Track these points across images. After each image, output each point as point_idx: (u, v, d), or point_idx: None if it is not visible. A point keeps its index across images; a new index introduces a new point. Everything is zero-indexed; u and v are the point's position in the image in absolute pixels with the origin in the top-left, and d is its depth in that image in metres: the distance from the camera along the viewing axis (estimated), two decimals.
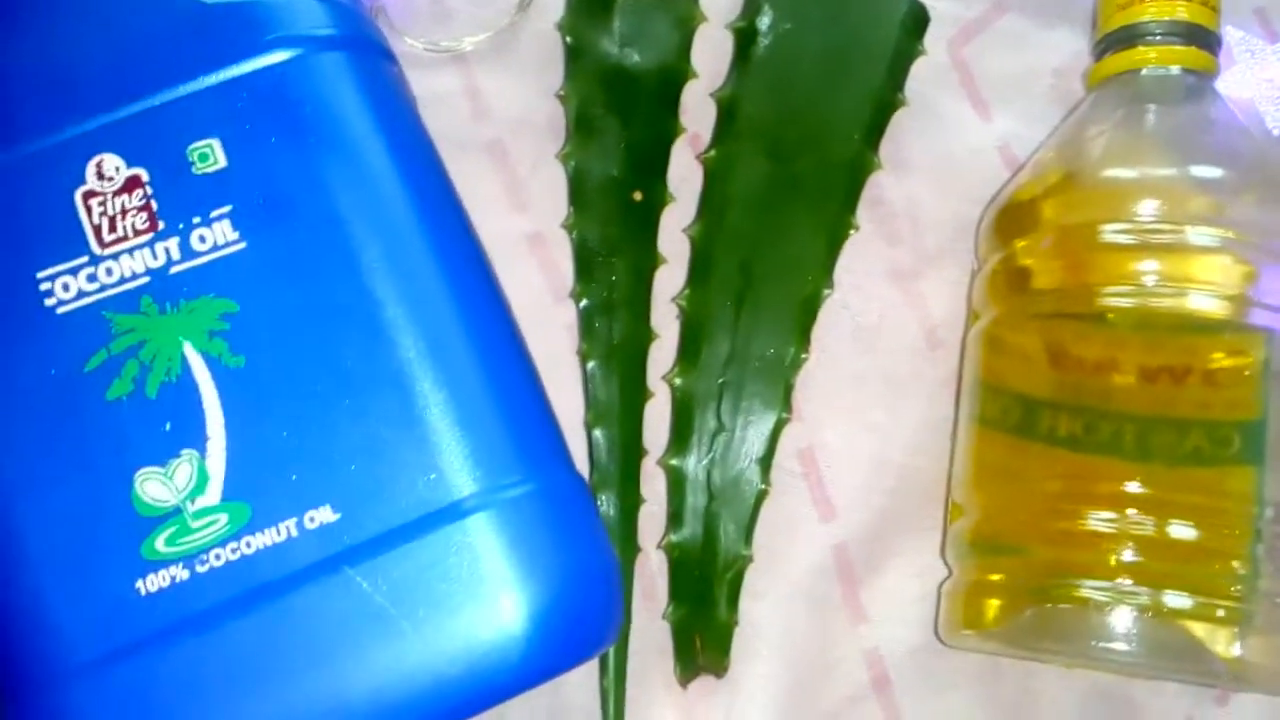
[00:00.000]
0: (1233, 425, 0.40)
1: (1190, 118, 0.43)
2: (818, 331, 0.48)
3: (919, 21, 0.50)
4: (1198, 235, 0.41)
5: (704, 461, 0.47)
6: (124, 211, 0.37)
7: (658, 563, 0.47)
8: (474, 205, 0.43)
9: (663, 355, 0.48)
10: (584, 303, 0.48)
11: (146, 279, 0.36)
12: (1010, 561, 0.42)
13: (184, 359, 0.36)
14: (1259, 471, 0.40)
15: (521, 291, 0.46)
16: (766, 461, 0.46)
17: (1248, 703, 0.46)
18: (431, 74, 0.50)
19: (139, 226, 0.37)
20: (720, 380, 0.47)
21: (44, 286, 0.36)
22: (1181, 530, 0.39)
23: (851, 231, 0.48)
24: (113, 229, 0.37)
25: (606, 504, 0.46)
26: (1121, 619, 0.39)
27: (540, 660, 0.36)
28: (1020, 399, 0.43)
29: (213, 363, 0.36)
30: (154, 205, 0.37)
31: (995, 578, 0.42)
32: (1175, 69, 0.44)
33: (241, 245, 0.37)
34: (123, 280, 0.36)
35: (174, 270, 0.36)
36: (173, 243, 0.37)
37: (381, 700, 0.34)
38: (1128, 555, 0.39)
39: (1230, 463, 0.40)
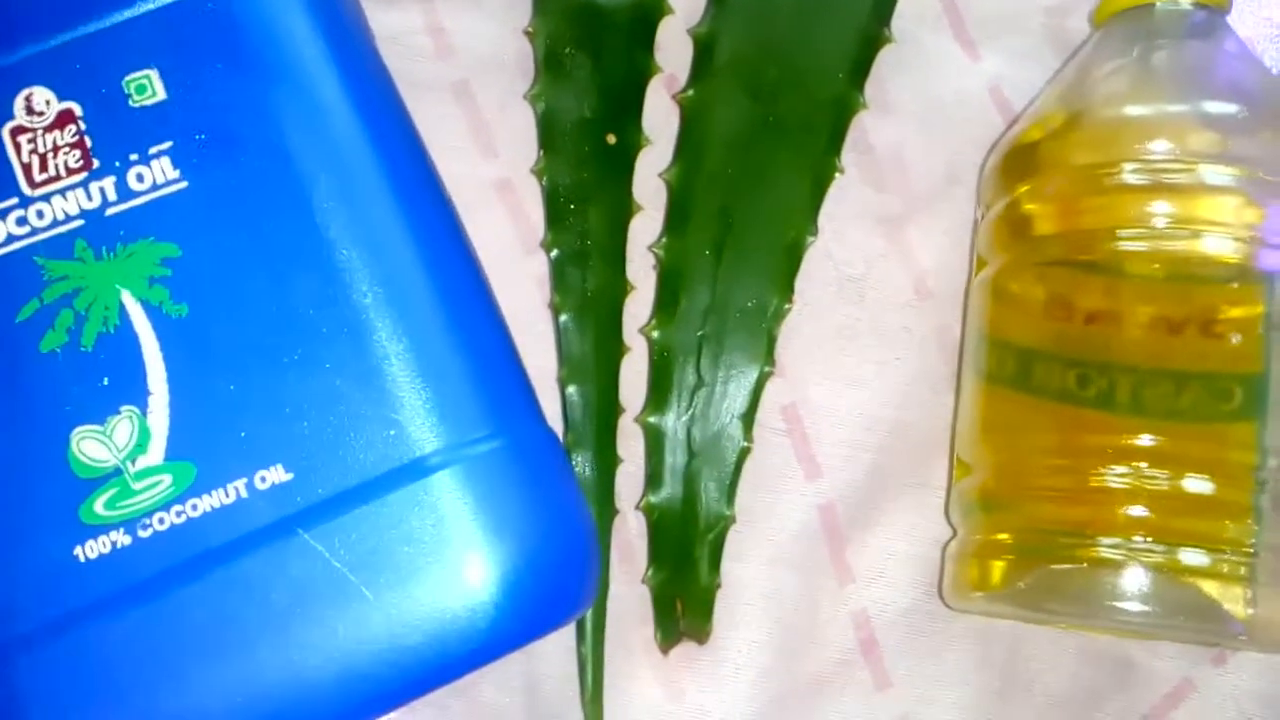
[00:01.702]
0: (1234, 378, 0.39)
1: (1202, 53, 0.42)
2: (801, 281, 0.46)
3: None
4: (1211, 174, 0.39)
5: (683, 418, 0.45)
6: (55, 149, 0.34)
7: (636, 525, 0.45)
8: (438, 150, 0.41)
9: (639, 308, 0.47)
10: (555, 252, 0.46)
11: (81, 222, 0.34)
12: (1018, 520, 0.41)
13: (122, 308, 0.34)
14: (1260, 424, 0.39)
15: (490, 241, 0.44)
16: (749, 418, 0.45)
17: (1245, 662, 0.45)
18: (392, 10, 0.48)
19: (72, 165, 0.34)
20: (699, 333, 0.45)
21: None
22: (1196, 484, 0.38)
23: (836, 174, 0.46)
24: (44, 168, 0.34)
25: (582, 464, 0.44)
26: (1136, 578, 0.38)
27: (510, 627, 0.34)
28: (1026, 352, 0.42)
29: (153, 311, 0.34)
30: (88, 142, 0.35)
31: (1002, 537, 0.41)
32: (1187, 3, 0.42)
33: (183, 184, 0.34)
34: (55, 223, 0.34)
35: (110, 212, 0.34)
36: (108, 182, 0.34)
37: (341, 672, 0.33)
38: (1140, 511, 0.38)
39: (1232, 417, 0.39)
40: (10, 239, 0.34)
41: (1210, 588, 0.38)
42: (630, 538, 0.45)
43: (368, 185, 0.35)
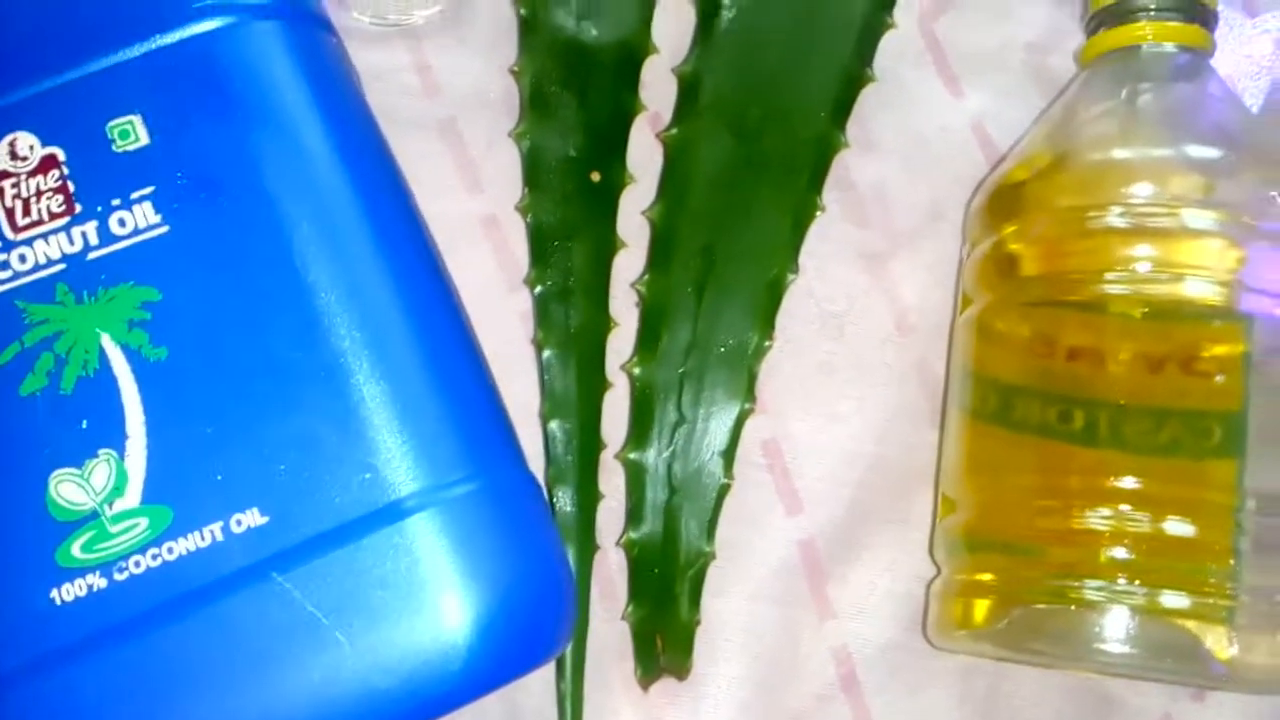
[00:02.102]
0: (1214, 416, 0.39)
1: (1186, 96, 0.42)
2: (782, 318, 0.46)
3: None
4: (1193, 218, 0.39)
5: (664, 455, 0.45)
6: (39, 193, 0.35)
7: (616, 561, 0.45)
8: (425, 187, 0.42)
9: (621, 344, 0.47)
10: (539, 289, 0.46)
11: (63, 266, 0.34)
12: (1001, 559, 0.41)
13: (102, 351, 0.34)
14: (1239, 463, 0.39)
15: (475, 277, 0.44)
16: (729, 454, 0.45)
17: (1225, 699, 0.45)
18: (379, 49, 0.48)
19: (55, 209, 0.35)
20: (681, 370, 0.45)
21: None
22: (1177, 526, 0.38)
23: (818, 213, 0.46)
24: (26, 212, 0.35)
25: (563, 500, 0.44)
26: (1119, 619, 0.38)
27: (485, 669, 0.34)
28: (1010, 389, 0.42)
29: (132, 355, 0.34)
30: (71, 187, 0.35)
31: (985, 577, 0.41)
32: (1171, 46, 0.42)
33: (164, 229, 0.35)
34: (37, 267, 0.34)
35: (92, 256, 0.34)
36: (90, 227, 0.34)
37: (317, 715, 0.33)
38: (1123, 553, 0.38)
39: (1212, 455, 0.39)
40: None
41: (1192, 630, 0.38)
42: (610, 573, 0.45)
43: (348, 229, 0.35)
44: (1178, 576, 0.38)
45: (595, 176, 0.47)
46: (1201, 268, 0.39)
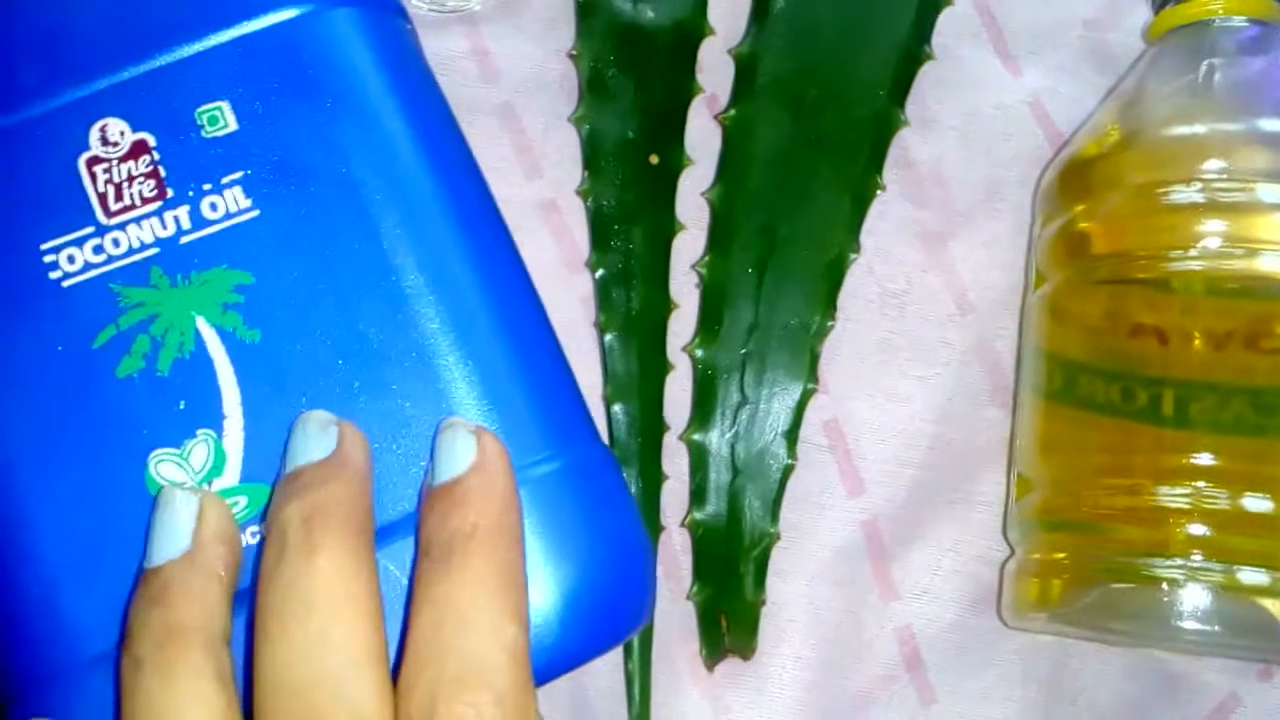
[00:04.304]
0: None
1: (1259, 70, 0.42)
2: (843, 298, 0.46)
3: None
4: (1268, 193, 0.39)
5: (727, 436, 0.45)
6: (130, 178, 0.35)
7: (681, 541, 0.46)
8: (485, 172, 0.41)
9: (682, 326, 0.47)
10: (600, 272, 0.46)
11: (156, 250, 0.34)
12: (1078, 539, 0.41)
13: (197, 334, 0.34)
14: None
15: (535, 261, 0.44)
16: (792, 435, 0.45)
17: None
18: (437, 35, 0.48)
19: (147, 194, 0.35)
20: (743, 351, 0.46)
21: (48, 259, 0.34)
22: (1256, 503, 0.38)
23: (878, 192, 0.47)
24: (119, 197, 0.35)
25: (628, 481, 0.45)
26: (1197, 597, 0.38)
27: (574, 645, 0.34)
28: (1084, 369, 0.42)
29: (227, 337, 0.34)
30: (162, 171, 0.35)
31: (1061, 556, 0.41)
32: (1242, 19, 0.42)
33: (255, 213, 0.35)
34: (131, 251, 0.34)
35: (184, 240, 0.34)
36: (182, 211, 0.35)
37: None
38: (1200, 530, 0.38)
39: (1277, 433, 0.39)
40: (87, 266, 0.34)
41: (1271, 606, 0.38)
42: (675, 554, 0.45)
43: (431, 214, 0.35)
44: (1255, 553, 0.38)
45: (654, 159, 0.47)
46: (1276, 243, 0.39)
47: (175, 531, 0.31)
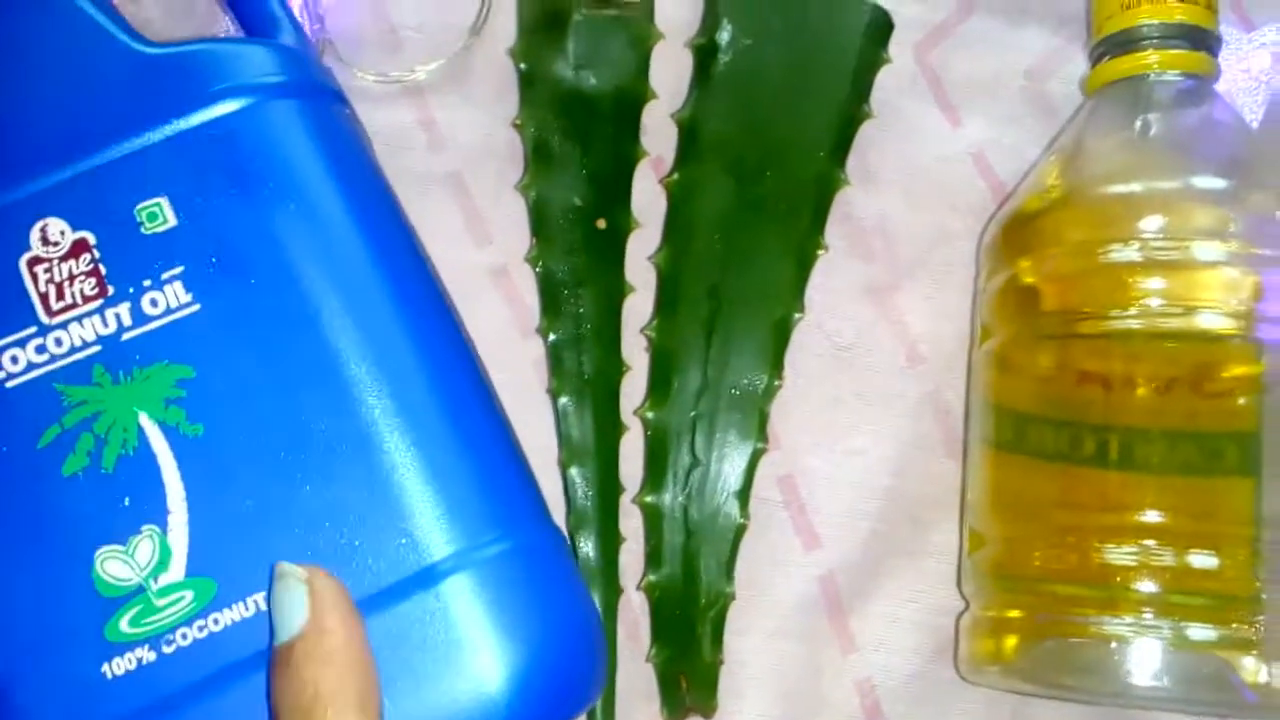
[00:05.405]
0: (1227, 436, 0.40)
1: (1193, 124, 0.43)
2: (792, 355, 0.47)
3: (883, 28, 0.49)
4: (1204, 250, 0.40)
5: (680, 498, 0.46)
6: (71, 277, 0.35)
7: (640, 603, 0.46)
8: (435, 240, 0.42)
9: (634, 387, 0.47)
10: (552, 337, 0.47)
11: (98, 347, 0.35)
12: (1029, 595, 0.42)
13: (140, 430, 0.34)
14: (1256, 486, 0.39)
15: (487, 327, 0.45)
16: (744, 495, 0.46)
17: None
18: (385, 107, 0.49)
19: (88, 292, 0.35)
20: (693, 413, 0.46)
21: None
22: (1201, 559, 0.39)
23: (820, 252, 0.47)
24: (60, 296, 0.35)
25: (586, 545, 0.45)
26: (1149, 653, 0.38)
27: None
28: (1032, 419, 0.42)
29: (170, 432, 0.34)
30: (103, 269, 0.35)
31: (1014, 613, 0.42)
32: (1177, 74, 0.43)
33: (195, 307, 0.35)
34: (73, 350, 0.35)
35: (126, 337, 0.35)
36: (124, 308, 0.35)
37: None
38: (1149, 587, 0.39)
39: (1225, 474, 0.40)
40: (30, 366, 0.34)
41: (1221, 659, 0.38)
42: (635, 616, 0.46)
43: (372, 301, 0.36)
44: (1203, 608, 0.38)
45: (601, 224, 0.48)
46: (1214, 300, 0.40)
47: None
